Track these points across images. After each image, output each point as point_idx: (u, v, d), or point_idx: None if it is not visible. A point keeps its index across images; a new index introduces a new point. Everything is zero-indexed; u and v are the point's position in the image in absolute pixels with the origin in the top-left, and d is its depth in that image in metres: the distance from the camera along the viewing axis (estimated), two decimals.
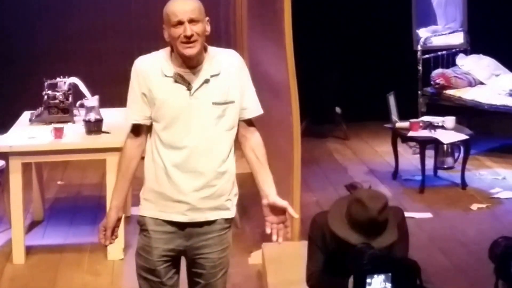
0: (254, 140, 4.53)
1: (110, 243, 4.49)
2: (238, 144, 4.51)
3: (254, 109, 4.50)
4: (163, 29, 4.35)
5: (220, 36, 10.04)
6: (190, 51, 4.28)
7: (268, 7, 7.34)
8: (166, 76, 4.35)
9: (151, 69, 4.38)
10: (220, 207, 4.44)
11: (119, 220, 4.47)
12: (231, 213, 4.51)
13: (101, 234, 4.45)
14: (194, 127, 4.33)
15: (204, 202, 4.39)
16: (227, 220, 4.49)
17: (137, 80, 4.40)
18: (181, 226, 4.40)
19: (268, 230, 4.45)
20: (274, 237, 4.46)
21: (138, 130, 4.45)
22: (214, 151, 4.37)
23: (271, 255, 6.39)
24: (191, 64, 4.34)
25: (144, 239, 4.44)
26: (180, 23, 4.26)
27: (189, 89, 4.32)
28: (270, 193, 4.47)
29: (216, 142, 4.37)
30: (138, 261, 4.49)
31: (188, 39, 4.25)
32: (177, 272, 4.52)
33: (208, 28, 4.35)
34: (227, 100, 4.36)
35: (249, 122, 4.50)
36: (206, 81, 4.33)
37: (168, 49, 4.40)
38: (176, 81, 4.33)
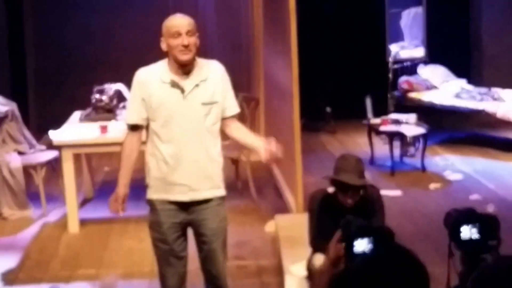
0: (235, 123, 4.50)
1: (122, 210, 4.46)
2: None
3: (233, 108, 4.47)
4: (161, 41, 4.32)
5: (242, 49, 9.97)
6: (186, 56, 4.24)
7: (278, 27, 7.38)
8: (164, 82, 4.30)
9: (151, 78, 4.34)
10: (214, 186, 4.43)
11: (126, 195, 4.45)
12: (223, 191, 4.49)
13: (112, 204, 4.46)
14: (187, 123, 4.31)
15: (201, 183, 4.38)
16: (221, 198, 4.48)
17: (139, 87, 4.37)
18: (183, 204, 4.41)
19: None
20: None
21: (136, 129, 4.43)
22: (203, 142, 4.35)
23: (282, 224, 6.50)
24: (185, 71, 4.30)
25: (154, 216, 4.45)
26: (179, 34, 4.23)
27: (182, 92, 4.29)
28: (259, 145, 4.43)
29: (204, 134, 4.35)
30: (151, 233, 4.51)
31: (186, 47, 4.23)
32: (185, 239, 4.52)
33: (198, 42, 4.32)
34: (212, 101, 4.34)
35: (231, 119, 4.47)
36: (197, 85, 4.31)
37: (165, 60, 4.36)
38: (172, 86, 4.30)
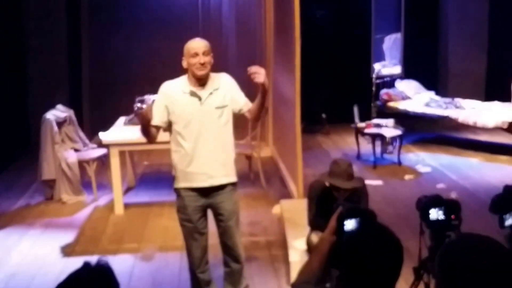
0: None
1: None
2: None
3: (247, 105, 4.42)
4: (182, 60, 4.28)
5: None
6: (202, 72, 4.24)
7: (286, 50, 7.34)
8: (184, 92, 4.30)
9: (174, 89, 4.33)
10: (227, 174, 4.41)
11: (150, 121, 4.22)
12: (235, 178, 4.47)
13: (148, 109, 4.20)
14: (204, 124, 4.30)
15: (217, 171, 4.36)
16: (234, 184, 4.47)
17: (163, 96, 4.36)
18: (203, 190, 4.39)
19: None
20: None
21: (156, 127, 4.35)
22: (218, 138, 4.34)
23: (287, 207, 6.44)
24: (201, 83, 4.30)
25: (180, 200, 4.45)
26: (197, 54, 4.23)
27: (200, 100, 4.29)
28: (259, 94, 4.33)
29: (218, 132, 4.34)
30: (178, 215, 4.49)
31: (202, 65, 4.23)
32: (206, 219, 4.51)
33: (212, 60, 4.31)
34: (223, 105, 4.33)
35: (247, 111, 4.42)
36: (211, 93, 4.31)
37: (185, 75, 4.35)
38: (191, 95, 4.30)
